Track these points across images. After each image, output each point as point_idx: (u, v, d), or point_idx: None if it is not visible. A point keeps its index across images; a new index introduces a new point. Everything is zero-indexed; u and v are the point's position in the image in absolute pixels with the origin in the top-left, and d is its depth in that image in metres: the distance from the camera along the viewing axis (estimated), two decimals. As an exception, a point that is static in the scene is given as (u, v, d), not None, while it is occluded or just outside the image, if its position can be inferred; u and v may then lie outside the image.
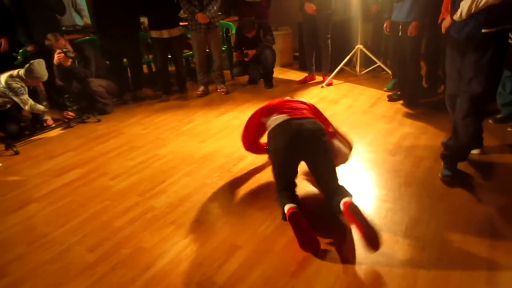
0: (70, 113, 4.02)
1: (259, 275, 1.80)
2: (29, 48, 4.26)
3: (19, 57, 4.43)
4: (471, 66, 2.14)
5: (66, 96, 4.00)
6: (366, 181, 2.52)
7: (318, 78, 4.99)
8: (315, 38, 4.67)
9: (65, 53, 3.97)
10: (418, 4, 3.28)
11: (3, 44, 4.06)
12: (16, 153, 3.52)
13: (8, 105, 3.73)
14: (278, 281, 1.75)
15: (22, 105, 3.67)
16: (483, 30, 2.06)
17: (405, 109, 3.67)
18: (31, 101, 3.68)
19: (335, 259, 1.85)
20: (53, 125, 4.09)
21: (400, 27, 3.44)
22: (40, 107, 3.76)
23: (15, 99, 3.63)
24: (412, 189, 2.36)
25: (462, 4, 2.09)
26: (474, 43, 2.11)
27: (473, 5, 2.02)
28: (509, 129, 3.01)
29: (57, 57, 3.97)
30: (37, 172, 3.12)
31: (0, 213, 2.57)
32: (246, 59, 4.88)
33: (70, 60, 4.02)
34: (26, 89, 3.71)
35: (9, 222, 2.45)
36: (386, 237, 1.95)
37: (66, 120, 4.01)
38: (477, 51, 2.11)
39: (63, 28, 4.87)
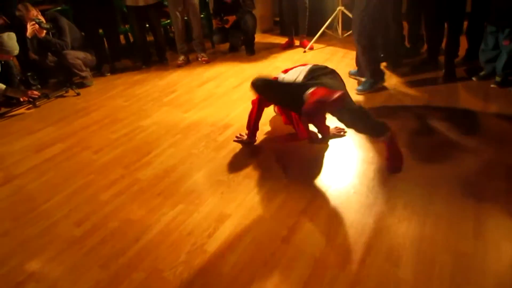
0: (35, 92, 3.80)
1: (249, 242, 1.81)
2: None
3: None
4: None
5: (29, 74, 3.77)
6: (352, 144, 2.53)
7: (296, 42, 4.92)
8: (294, 1, 4.55)
9: (38, 23, 3.77)
10: None
11: None
12: (-6, 130, 3.40)
13: None
14: (269, 247, 1.76)
15: None
16: None
17: (389, 70, 3.65)
18: None
19: (325, 222, 1.88)
20: (44, 93, 3.90)
21: None
22: (2, 86, 3.58)
23: None
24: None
25: None
26: None
27: None
28: (492, 85, 3.03)
29: (30, 28, 3.77)
30: (17, 148, 3.03)
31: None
32: (226, 26, 4.74)
33: (44, 31, 3.82)
34: None
35: (-8, 197, 2.39)
36: (373, 199, 1.98)
37: (31, 100, 3.78)
38: None
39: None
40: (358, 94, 3.24)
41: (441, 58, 3.44)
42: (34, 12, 3.82)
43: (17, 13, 3.79)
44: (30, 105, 3.80)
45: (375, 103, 3.04)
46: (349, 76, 3.60)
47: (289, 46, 4.88)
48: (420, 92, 3.13)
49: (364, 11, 2.91)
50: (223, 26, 4.76)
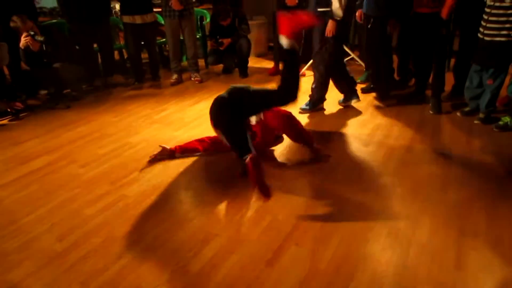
0: (18, 104, 3.74)
1: (234, 263, 1.80)
2: None
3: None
4: None
5: (14, 85, 3.73)
6: (338, 171, 2.56)
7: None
8: None
9: (32, 36, 3.77)
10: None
11: None
12: (-22, 139, 3.35)
13: None
14: (253, 270, 1.75)
15: None
16: None
17: (377, 101, 3.75)
18: None
19: (310, 247, 1.88)
20: (21, 108, 3.83)
21: (371, 20, 3.48)
22: None
23: None
24: (384, 180, 2.42)
25: None
26: None
27: None
28: (476, 121, 3.14)
29: (24, 40, 3.77)
30: (1, 159, 2.97)
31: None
32: (221, 48, 4.83)
33: (38, 44, 3.83)
34: None
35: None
36: (359, 226, 2.00)
37: (14, 111, 3.72)
38: None
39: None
40: (301, 113, 3.52)
41: (428, 92, 3.56)
42: (30, 24, 3.83)
43: (12, 25, 3.79)
44: (13, 117, 3.74)
45: (363, 132, 3.11)
46: (340, 104, 3.71)
47: (275, 72, 4.94)
48: (406, 124, 3.21)
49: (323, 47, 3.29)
50: (218, 48, 4.84)
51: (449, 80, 3.60)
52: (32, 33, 3.78)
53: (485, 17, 2.87)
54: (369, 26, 3.49)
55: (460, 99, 3.49)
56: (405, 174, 2.47)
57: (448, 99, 3.60)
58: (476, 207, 2.11)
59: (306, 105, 3.60)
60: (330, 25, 3.18)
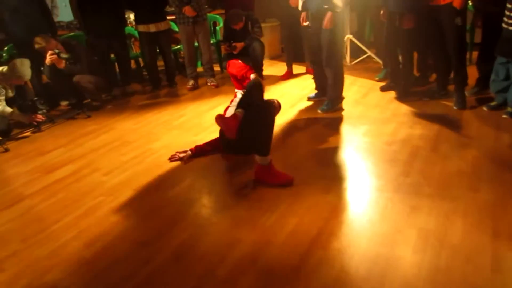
0: (40, 116, 3.79)
1: (261, 268, 1.78)
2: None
3: (4, 54, 4.32)
4: None
5: (36, 99, 3.81)
6: (363, 172, 2.52)
7: (301, 69, 4.98)
8: (297, 30, 4.66)
9: (58, 54, 3.86)
10: None
11: None
12: (6, 150, 3.44)
13: None
14: (280, 275, 1.73)
15: None
16: None
17: (398, 99, 3.67)
18: (2, 104, 3.56)
19: (338, 251, 1.84)
20: (43, 120, 3.89)
21: (398, 17, 3.41)
22: (8, 110, 3.60)
23: None
24: (411, 179, 2.36)
25: None
26: None
27: None
28: (504, 116, 3.04)
29: (49, 58, 3.86)
30: (28, 169, 3.04)
31: (-8, 209, 2.50)
32: (234, 52, 4.82)
33: (64, 61, 3.91)
34: (4, 91, 3.59)
35: (2, 218, 2.39)
36: (387, 228, 1.95)
37: (35, 124, 3.78)
38: None
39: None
40: (323, 112, 3.50)
41: (451, 87, 3.47)
42: (54, 42, 3.91)
43: (37, 46, 3.86)
44: (36, 129, 3.80)
45: (385, 131, 3.05)
46: (308, 100, 3.88)
47: (288, 76, 4.90)
48: (429, 121, 3.14)
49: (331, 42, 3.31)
50: (232, 52, 4.85)
51: (472, 73, 3.50)
52: (57, 51, 3.86)
53: (510, 6, 2.78)
54: (396, 24, 3.42)
55: (486, 93, 3.39)
56: (432, 173, 2.40)
57: (473, 93, 3.50)
58: (510, 206, 2.03)
59: (325, 105, 3.57)
60: (328, 16, 3.18)
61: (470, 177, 2.33)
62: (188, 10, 4.33)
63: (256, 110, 2.47)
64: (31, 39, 3.89)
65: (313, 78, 3.91)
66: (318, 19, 3.31)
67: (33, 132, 3.81)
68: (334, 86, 3.49)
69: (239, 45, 4.74)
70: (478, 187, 2.21)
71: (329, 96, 3.56)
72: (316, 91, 3.91)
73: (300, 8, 3.54)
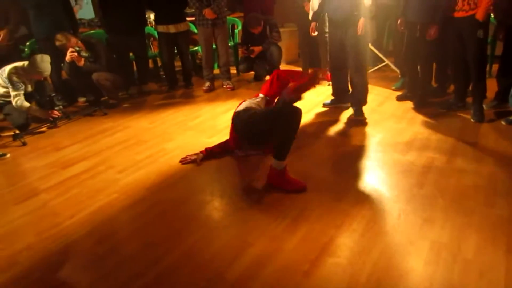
0: (56, 112, 3.83)
1: (270, 273, 1.78)
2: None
3: (26, 49, 4.41)
4: None
5: (54, 95, 3.88)
6: (377, 182, 2.50)
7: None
8: (314, 36, 4.67)
9: (78, 52, 3.94)
10: (435, 5, 3.21)
11: (1, 36, 4.06)
12: (24, 144, 3.51)
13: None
14: (290, 281, 1.72)
15: (11, 98, 3.62)
16: None
17: (415, 109, 3.64)
18: (21, 98, 3.62)
19: (348, 259, 1.83)
20: (59, 116, 3.95)
21: (418, 27, 3.39)
22: (26, 104, 3.66)
23: (11, 91, 3.60)
24: (424, 190, 2.33)
25: None
26: None
27: None
28: None
29: (69, 55, 3.94)
30: (45, 163, 3.10)
31: (9, 203, 2.55)
32: (252, 56, 4.85)
33: (83, 59, 3.99)
34: (23, 86, 3.67)
35: (18, 212, 2.43)
36: (399, 239, 1.94)
37: (51, 119, 3.83)
38: None
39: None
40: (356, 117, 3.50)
41: (469, 100, 3.43)
42: (74, 40, 4.00)
43: (57, 43, 3.96)
44: (52, 124, 3.87)
45: (400, 141, 3.02)
46: (323, 106, 3.88)
47: None
48: (446, 133, 3.10)
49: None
50: (249, 55, 4.87)
51: (492, 86, 3.45)
52: (77, 49, 3.94)
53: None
54: (417, 35, 3.42)
55: (504, 106, 3.34)
56: (447, 186, 2.37)
57: (491, 106, 3.44)
58: (525, 221, 1.99)
59: (355, 111, 3.53)
60: (361, 23, 3.17)
61: (486, 191, 2.29)
62: (208, 13, 4.37)
63: (288, 112, 2.39)
64: (53, 36, 3.98)
65: (331, 84, 3.88)
66: (344, 26, 3.30)
67: (49, 128, 3.87)
68: (364, 92, 3.49)
69: (257, 49, 4.77)
70: (493, 202, 2.17)
71: (357, 101, 3.53)
72: (332, 98, 3.89)
73: (310, 18, 3.54)
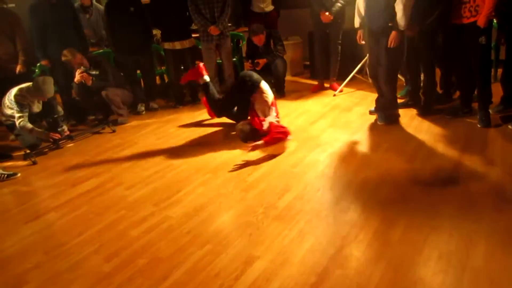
0: (56, 134, 3.83)
1: (278, 286, 1.77)
2: (43, 62, 4.36)
3: (36, 70, 4.53)
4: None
5: (56, 116, 3.88)
6: (383, 190, 2.48)
7: (326, 85, 4.99)
8: (327, 45, 4.69)
9: (86, 71, 4.03)
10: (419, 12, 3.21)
11: (19, 69, 4.21)
12: (34, 163, 3.57)
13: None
14: (297, 293, 1.72)
15: (15, 119, 3.66)
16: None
17: (420, 116, 3.62)
18: (24, 120, 3.65)
19: (355, 271, 1.82)
20: (68, 135, 4.02)
21: (417, 35, 3.40)
22: (28, 126, 3.67)
23: (15, 113, 3.66)
24: (431, 198, 2.31)
25: None
26: None
27: None
28: None
29: (79, 76, 4.04)
30: (54, 182, 3.15)
31: (19, 222, 2.60)
32: (257, 69, 4.89)
33: (91, 78, 4.09)
34: (28, 108, 3.72)
35: (27, 231, 2.47)
36: (407, 248, 1.92)
37: (51, 140, 3.83)
38: None
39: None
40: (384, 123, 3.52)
41: (475, 105, 3.40)
42: (79, 56, 4.10)
43: (63, 58, 4.07)
44: (54, 146, 3.87)
45: (406, 149, 3.01)
46: (370, 113, 3.81)
47: (319, 89, 4.95)
48: (452, 139, 3.07)
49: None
50: (254, 68, 4.91)
51: (497, 91, 3.42)
52: (84, 68, 4.03)
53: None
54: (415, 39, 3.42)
55: (511, 111, 3.30)
56: (454, 192, 2.35)
57: (497, 111, 3.41)
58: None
59: (382, 118, 3.57)
60: (393, 36, 3.15)
61: (494, 197, 2.26)
62: (213, 30, 4.50)
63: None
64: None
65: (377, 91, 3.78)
66: (378, 36, 3.30)
67: (51, 149, 3.86)
68: (391, 103, 3.51)
69: (262, 61, 4.80)
70: (501, 208, 2.14)
71: (382, 107, 3.55)
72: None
73: (357, 25, 3.55)
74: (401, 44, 3.23)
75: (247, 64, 5.07)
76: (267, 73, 4.91)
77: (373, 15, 3.28)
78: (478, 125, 3.23)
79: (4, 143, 4.13)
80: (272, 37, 4.79)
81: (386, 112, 3.55)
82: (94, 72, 4.09)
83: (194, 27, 5.05)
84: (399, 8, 3.07)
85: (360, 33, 3.56)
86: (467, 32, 3.10)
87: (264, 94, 3.49)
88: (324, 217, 2.25)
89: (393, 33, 3.15)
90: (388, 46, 3.20)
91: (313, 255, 1.95)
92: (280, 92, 4.92)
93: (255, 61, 4.83)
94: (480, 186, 2.39)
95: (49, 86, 3.72)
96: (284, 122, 3.89)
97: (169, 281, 1.88)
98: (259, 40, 4.73)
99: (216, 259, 2.00)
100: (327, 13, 4.37)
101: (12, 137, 4.04)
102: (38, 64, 4.54)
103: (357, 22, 3.53)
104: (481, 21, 2.96)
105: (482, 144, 2.96)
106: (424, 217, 2.14)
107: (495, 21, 3.31)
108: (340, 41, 4.67)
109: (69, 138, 4.01)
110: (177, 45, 4.69)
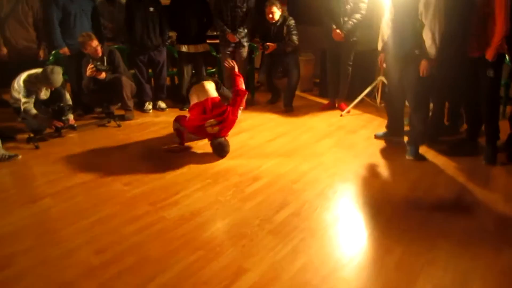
0: (59, 122, 3.84)
1: (265, 301, 1.75)
2: (61, 51, 4.40)
3: (51, 57, 4.56)
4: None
5: (62, 104, 3.86)
6: (381, 218, 2.46)
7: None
8: (339, 64, 4.71)
9: (96, 66, 4.06)
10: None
11: (42, 55, 4.36)
12: (36, 147, 3.57)
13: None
14: (285, 310, 1.69)
15: (20, 103, 3.69)
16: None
17: (425, 145, 3.61)
18: (29, 106, 3.68)
19: (345, 293, 1.80)
20: (75, 125, 4.05)
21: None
22: (32, 112, 3.69)
23: (21, 97, 3.68)
24: (429, 231, 2.29)
25: None
26: None
27: None
28: None
29: (89, 71, 4.07)
30: (54, 168, 3.15)
31: (14, 204, 2.60)
32: (266, 52, 4.84)
33: (103, 73, 4.13)
34: (35, 94, 3.74)
35: (21, 213, 2.47)
36: (401, 278, 1.89)
37: (54, 128, 3.84)
38: None
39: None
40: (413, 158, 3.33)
41: (482, 140, 3.39)
42: (95, 42, 4.13)
43: (80, 39, 4.14)
44: (56, 134, 3.88)
45: (408, 177, 2.99)
46: (376, 138, 3.76)
47: (329, 108, 4.95)
48: (455, 172, 3.05)
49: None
50: (264, 51, 4.88)
51: (505, 128, 3.41)
52: (95, 63, 4.06)
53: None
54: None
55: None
56: (453, 227, 2.32)
57: (504, 149, 3.39)
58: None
59: (412, 152, 3.35)
60: (423, 65, 3.04)
61: (493, 236, 2.24)
62: (231, 37, 4.59)
63: None
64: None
65: (387, 116, 3.75)
66: (403, 62, 3.17)
67: (54, 137, 3.87)
68: (421, 133, 3.32)
69: (271, 46, 4.76)
70: (501, 248, 2.12)
71: (413, 141, 3.37)
72: (385, 130, 3.78)
73: (379, 48, 3.46)
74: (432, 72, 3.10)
75: (259, 47, 4.95)
76: (278, 63, 4.88)
77: (399, 41, 3.19)
78: (483, 161, 3.21)
79: (10, 125, 4.13)
80: (286, 25, 4.76)
81: (417, 146, 3.37)
82: (104, 67, 4.11)
83: (209, 33, 5.11)
84: (427, 36, 2.95)
85: (382, 56, 3.49)
86: (476, 65, 3.10)
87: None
88: (319, 237, 2.23)
89: (424, 62, 3.02)
90: (421, 75, 3.07)
91: (304, 274, 1.92)
92: (288, 106, 4.93)
93: (265, 44, 4.78)
94: (480, 223, 2.37)
95: (57, 76, 3.73)
96: (289, 138, 3.91)
97: (156, 283, 1.86)
98: (271, 11, 4.62)
99: (206, 267, 1.98)
100: (338, 31, 4.39)
101: (19, 119, 4.05)
102: (54, 52, 4.57)
103: (380, 45, 3.47)
104: (489, 54, 2.96)
105: (485, 179, 2.94)
106: (421, 247, 2.12)
107: (507, 57, 3.31)
108: (351, 62, 4.67)
109: (72, 128, 4.01)
110: (191, 48, 4.74)
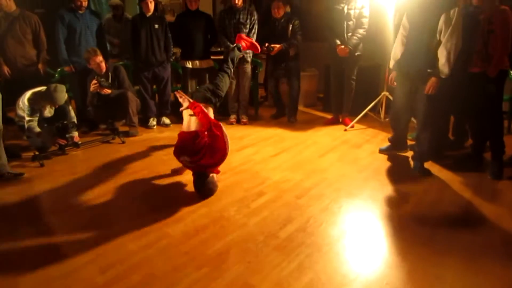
0: (62, 140, 3.87)
1: (271, 318, 1.73)
2: (66, 68, 4.47)
3: (56, 75, 4.63)
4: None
5: (65, 122, 3.89)
6: (387, 234, 2.45)
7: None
8: (343, 79, 4.74)
9: (99, 82, 4.12)
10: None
11: (42, 69, 4.41)
12: (41, 165, 3.59)
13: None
14: (291, 328, 1.67)
15: (24, 122, 3.73)
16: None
17: (430, 160, 3.60)
18: (33, 124, 3.74)
19: (352, 310, 1.77)
20: (79, 142, 4.10)
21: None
22: (36, 130, 3.75)
23: (25, 115, 3.73)
24: (437, 246, 2.26)
25: None
26: None
27: None
28: None
29: (93, 87, 4.14)
30: (59, 186, 3.16)
31: (18, 222, 2.59)
32: (271, 54, 4.85)
33: (107, 89, 4.19)
34: (39, 112, 3.80)
35: (26, 231, 2.47)
36: (407, 293, 1.87)
37: (57, 146, 3.88)
38: None
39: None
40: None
41: (488, 155, 3.38)
42: (100, 58, 4.20)
43: (85, 55, 4.22)
44: (59, 152, 3.89)
45: (413, 191, 2.98)
46: (380, 152, 3.76)
47: (333, 122, 4.97)
48: (460, 188, 3.04)
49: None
50: (268, 53, 4.90)
51: (510, 143, 3.40)
52: (100, 79, 4.12)
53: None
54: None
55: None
56: (459, 243, 2.30)
57: (510, 164, 3.38)
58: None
59: (417, 168, 3.38)
60: (432, 82, 3.02)
61: (501, 252, 2.21)
62: None
63: None
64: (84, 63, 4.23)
65: (392, 130, 3.79)
66: (416, 80, 3.17)
67: (57, 155, 3.88)
68: (428, 150, 3.32)
69: (276, 47, 4.79)
70: (507, 264, 2.09)
71: (419, 156, 3.38)
72: (388, 144, 3.82)
73: (391, 66, 3.45)
74: (439, 90, 3.08)
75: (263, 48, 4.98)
76: (280, 62, 4.92)
77: (412, 59, 3.18)
78: (489, 176, 3.19)
79: (16, 142, 4.16)
80: (292, 24, 4.77)
81: (422, 162, 3.37)
82: (107, 84, 4.18)
83: (213, 49, 5.17)
84: (442, 54, 2.94)
85: (393, 74, 3.48)
86: (478, 81, 3.12)
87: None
88: (325, 253, 2.22)
89: (433, 79, 3.01)
90: (426, 92, 3.07)
91: (310, 291, 1.90)
92: (292, 118, 4.97)
93: (270, 45, 4.80)
94: (487, 238, 2.34)
95: (60, 94, 3.78)
96: (293, 152, 3.91)
97: (161, 301, 1.85)
98: (277, 6, 4.66)
99: (211, 284, 1.96)
100: (343, 46, 4.43)
101: (25, 137, 4.08)
102: (59, 69, 4.64)
103: (391, 63, 3.46)
104: (491, 71, 2.99)
105: (491, 194, 2.92)
106: (428, 263, 2.10)
107: (511, 72, 3.33)
108: (354, 77, 4.71)
109: (75, 145, 4.04)
110: (196, 64, 4.81)
